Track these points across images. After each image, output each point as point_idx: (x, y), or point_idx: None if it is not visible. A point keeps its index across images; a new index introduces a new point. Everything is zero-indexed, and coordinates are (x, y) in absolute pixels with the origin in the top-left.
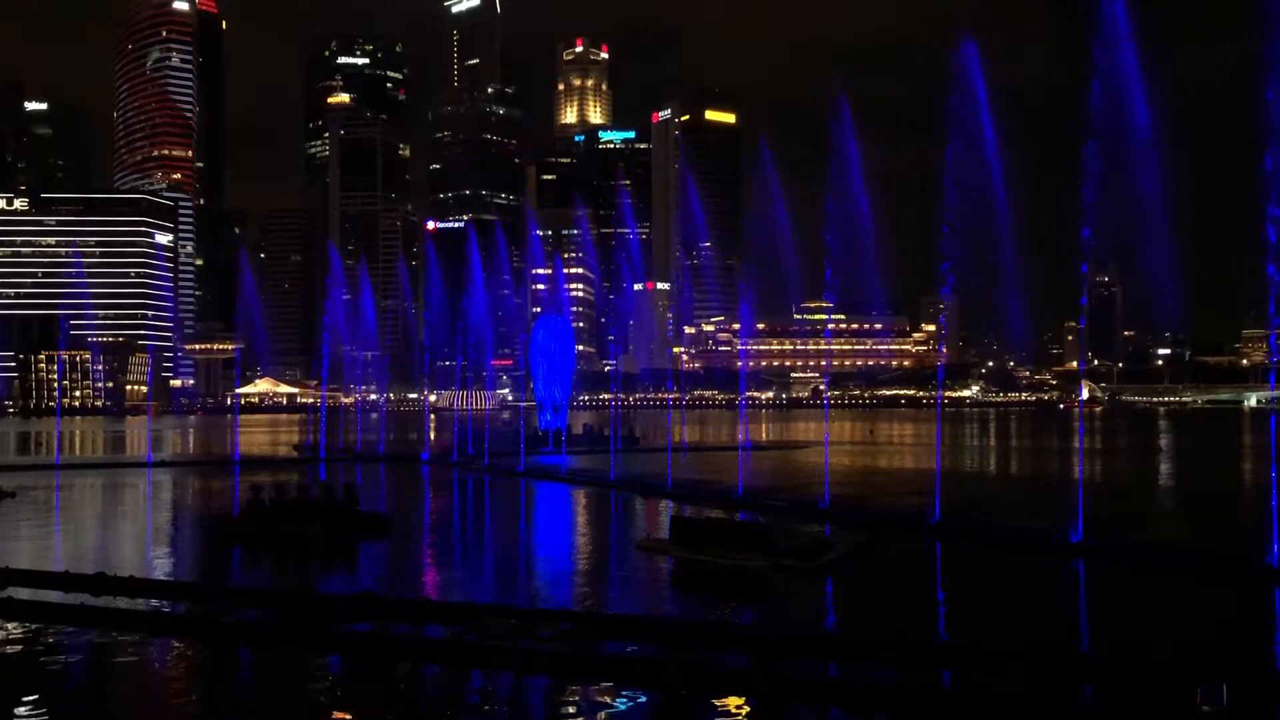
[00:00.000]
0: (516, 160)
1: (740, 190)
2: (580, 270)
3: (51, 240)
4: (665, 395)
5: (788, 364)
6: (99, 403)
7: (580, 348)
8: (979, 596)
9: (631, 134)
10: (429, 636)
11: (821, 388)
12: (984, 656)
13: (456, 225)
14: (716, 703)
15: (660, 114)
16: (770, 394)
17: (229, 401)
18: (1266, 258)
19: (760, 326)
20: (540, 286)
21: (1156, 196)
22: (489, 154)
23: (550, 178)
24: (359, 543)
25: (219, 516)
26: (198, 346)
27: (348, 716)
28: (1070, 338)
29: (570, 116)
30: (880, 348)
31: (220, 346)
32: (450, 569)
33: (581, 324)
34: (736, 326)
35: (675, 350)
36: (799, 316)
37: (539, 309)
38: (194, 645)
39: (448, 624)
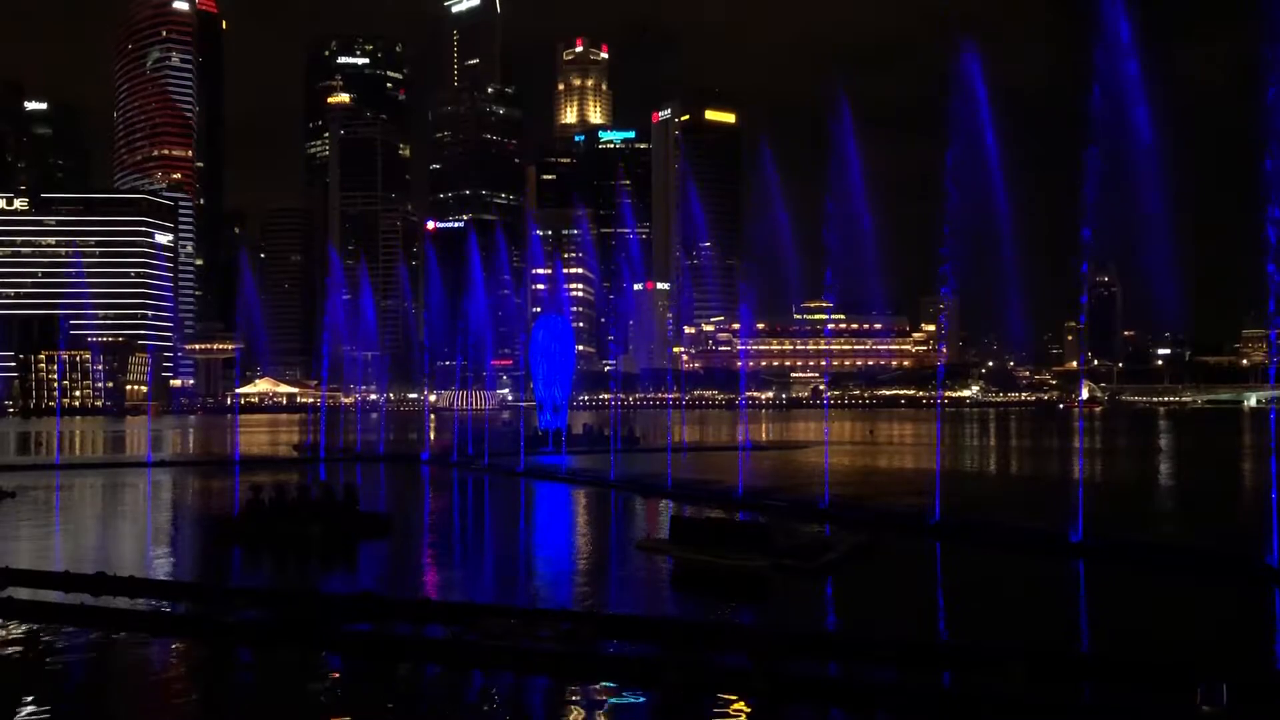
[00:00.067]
0: (516, 160)
1: (740, 190)
2: (580, 270)
3: (51, 240)
4: (665, 395)
5: (788, 364)
6: (99, 403)
7: (580, 348)
8: (979, 596)
9: (631, 134)
10: (429, 636)
11: (821, 388)
12: (984, 656)
13: (456, 225)
14: (716, 702)
15: (660, 114)
16: (770, 394)
17: (229, 401)
18: (1267, 258)
19: (760, 326)
20: (540, 286)
21: (1156, 196)
22: (489, 154)
23: (550, 178)
24: (359, 543)
25: (219, 516)
26: (198, 346)
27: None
28: (1070, 338)
29: (570, 116)
30: (880, 348)
31: (220, 346)
32: (450, 569)
33: (581, 324)
34: (736, 326)
35: (675, 350)
36: (799, 316)
37: (539, 309)
38: (194, 645)
39: (448, 624)
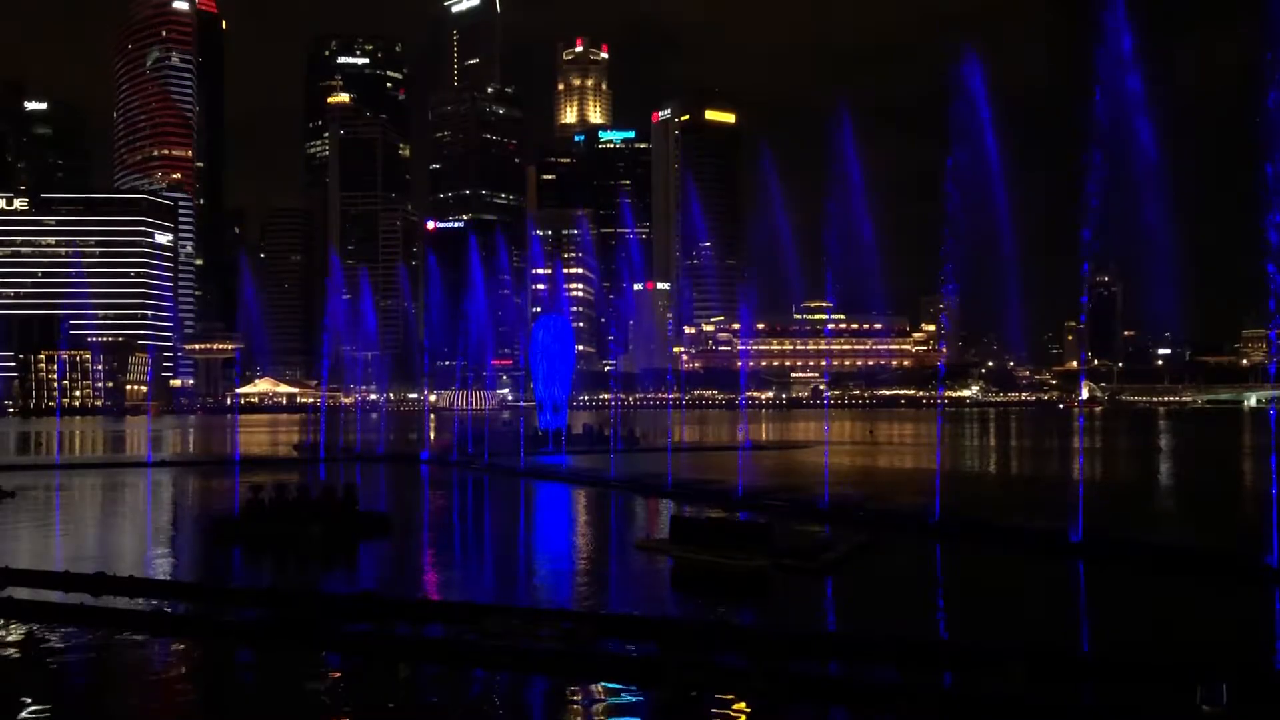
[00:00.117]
0: (516, 160)
1: (740, 190)
2: (580, 270)
3: (51, 240)
4: (665, 395)
5: (788, 364)
6: (99, 403)
7: (580, 348)
8: (979, 596)
9: (631, 134)
10: (429, 636)
11: (821, 387)
12: (984, 656)
13: (456, 225)
14: (716, 703)
15: (660, 114)
16: (770, 394)
17: (229, 401)
18: (1267, 260)
19: (760, 326)
20: (540, 286)
21: (1156, 196)
22: (489, 154)
23: (550, 178)
24: (359, 543)
25: (219, 516)
26: (198, 346)
27: None
28: (1070, 338)
29: (570, 116)
30: (880, 348)
31: (220, 346)
32: (450, 569)
33: (581, 324)
34: (736, 326)
35: (675, 350)
36: (799, 316)
37: (539, 309)
38: (194, 645)
39: (450, 624)
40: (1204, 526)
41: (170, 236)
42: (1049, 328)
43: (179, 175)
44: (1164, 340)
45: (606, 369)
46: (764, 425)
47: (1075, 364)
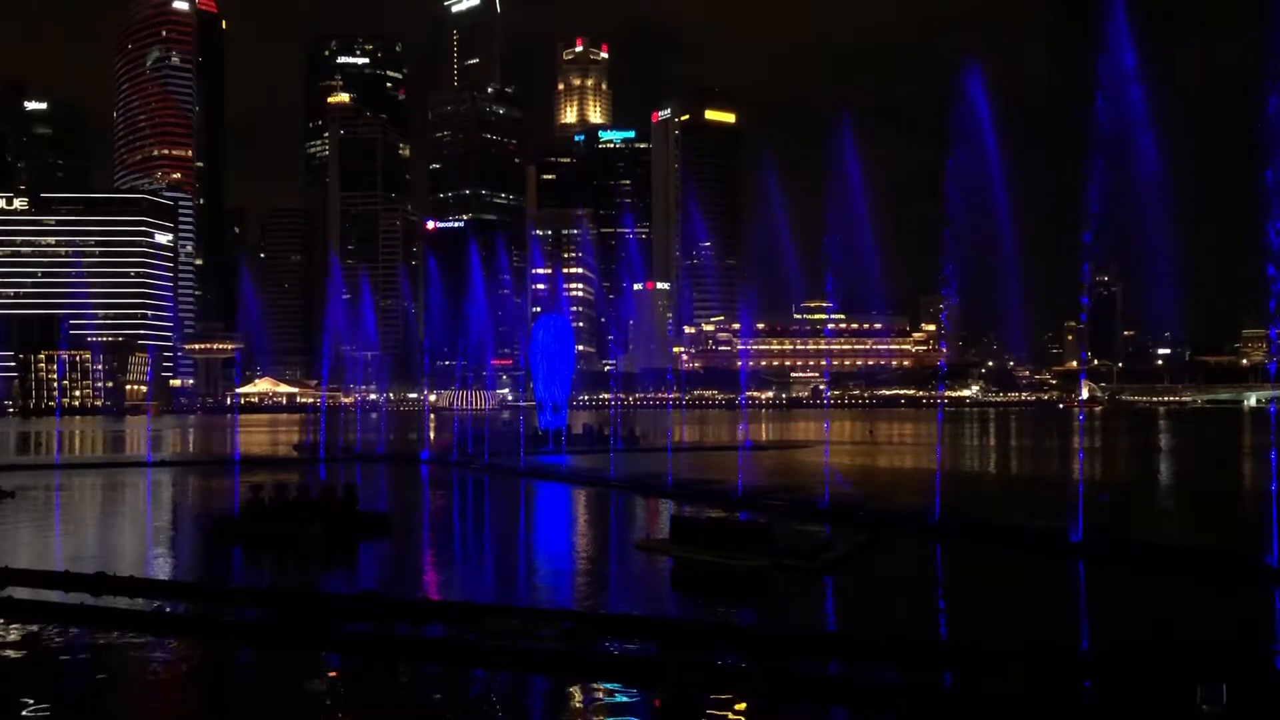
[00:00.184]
0: (516, 160)
1: (740, 190)
2: (580, 270)
3: (51, 240)
4: (665, 395)
5: (788, 364)
6: (99, 402)
7: (580, 348)
8: (979, 596)
9: (631, 134)
10: (429, 636)
11: (821, 387)
12: (984, 656)
13: (456, 225)
14: (716, 703)
15: (660, 114)
16: (770, 394)
17: (229, 401)
18: (1267, 263)
19: (760, 326)
20: (540, 286)
21: (1157, 196)
22: (489, 154)
23: (550, 178)
24: (359, 542)
25: (219, 516)
26: (198, 346)
27: None
28: (1070, 338)
29: (570, 116)
30: (880, 348)
31: (220, 346)
32: (450, 569)
33: (581, 324)
34: (736, 326)
35: (675, 350)
36: (799, 316)
37: (539, 309)
38: (194, 645)
39: (450, 624)
40: (1204, 526)
41: (170, 236)
42: (1049, 328)
43: (179, 175)
44: (1164, 340)
45: (606, 369)
46: (764, 425)
47: (1075, 364)
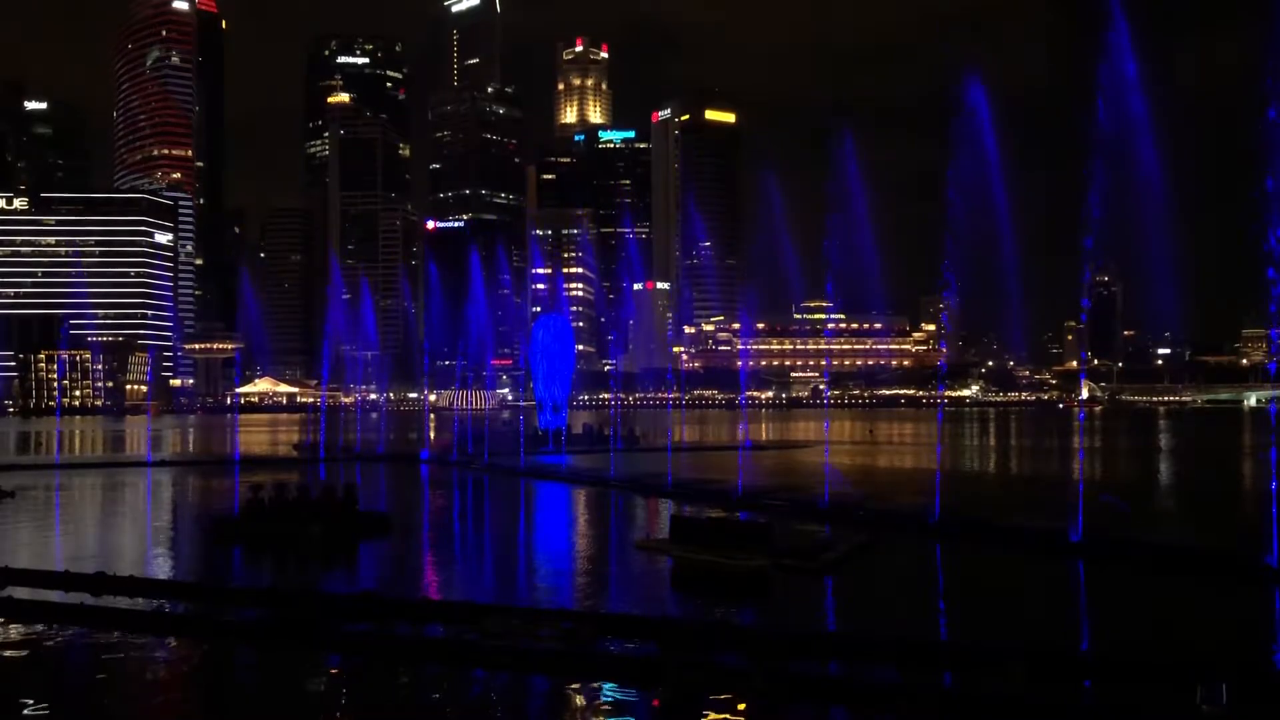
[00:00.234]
0: (516, 160)
1: (740, 190)
2: (580, 270)
3: (51, 240)
4: (665, 395)
5: (788, 364)
6: (99, 402)
7: (580, 347)
8: (979, 596)
9: (631, 134)
10: (429, 636)
11: (821, 387)
12: (984, 656)
13: (456, 225)
14: (716, 703)
15: (660, 114)
16: (770, 394)
17: (229, 401)
18: (1267, 268)
19: (760, 326)
20: (540, 286)
21: (1157, 196)
22: (489, 154)
23: (550, 177)
24: (359, 542)
25: (219, 516)
26: (198, 346)
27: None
28: (1070, 338)
29: (570, 116)
30: (880, 348)
31: (220, 346)
32: (450, 568)
33: (581, 324)
34: (736, 326)
35: (675, 350)
36: (799, 316)
37: (539, 309)
38: (194, 645)
39: (450, 624)
40: (1204, 526)
41: (170, 236)
42: (1049, 328)
43: (179, 175)
44: (1164, 340)
45: (606, 369)
46: (764, 425)
47: (1075, 364)
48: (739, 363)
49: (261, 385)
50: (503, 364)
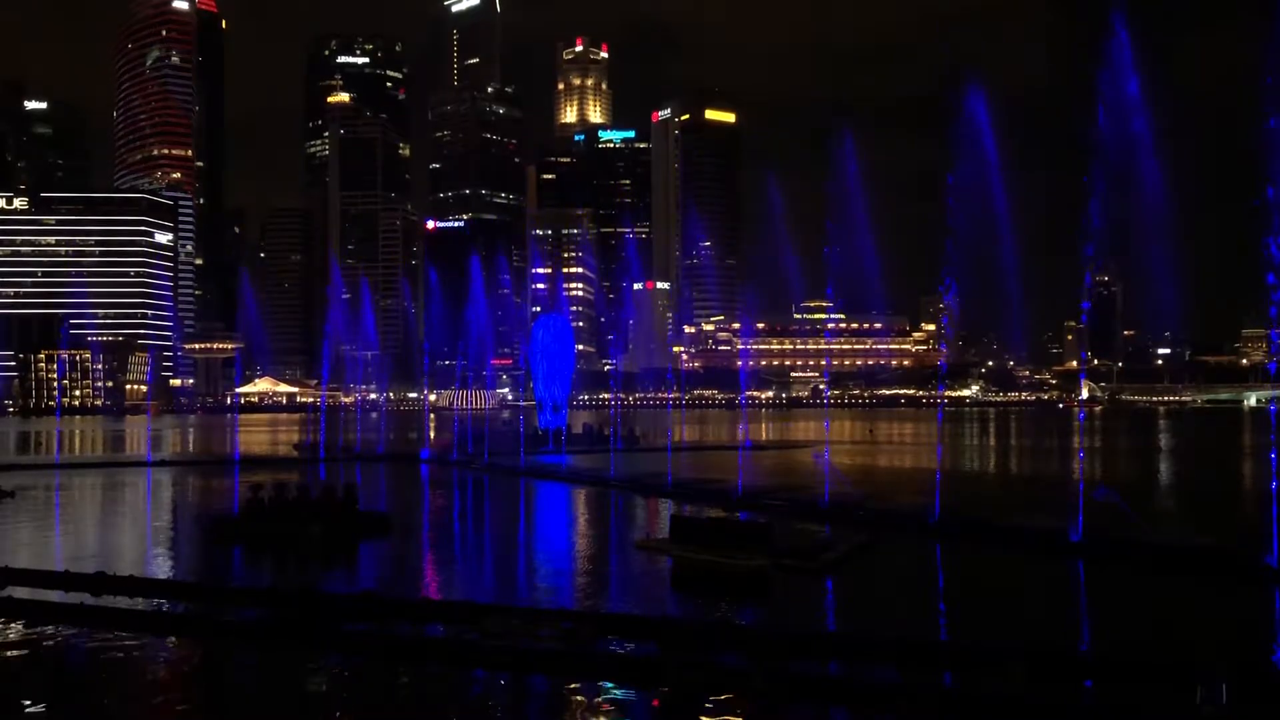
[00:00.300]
0: (516, 160)
1: (740, 190)
2: (580, 270)
3: (51, 240)
4: (665, 395)
5: (788, 364)
6: (99, 402)
7: (580, 347)
8: (979, 596)
9: (631, 133)
10: (429, 636)
11: (822, 387)
12: (984, 656)
13: (456, 225)
14: (716, 703)
15: (660, 113)
16: (770, 393)
17: (229, 401)
18: (1268, 273)
19: (760, 326)
20: (540, 286)
21: (1157, 196)
22: (489, 154)
23: (550, 177)
24: (359, 542)
25: (219, 516)
26: (198, 346)
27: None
28: (1070, 338)
29: (570, 116)
30: (880, 347)
31: (220, 346)
32: (450, 568)
33: (581, 324)
34: (736, 326)
35: (675, 350)
36: (799, 316)
37: (539, 309)
38: (194, 645)
39: (450, 624)
40: (1204, 526)
41: (170, 236)
42: (1049, 328)
43: (179, 175)
44: (1164, 340)
45: (606, 369)
46: (764, 425)
47: (1075, 364)
48: (739, 363)
49: (261, 385)
50: (503, 364)
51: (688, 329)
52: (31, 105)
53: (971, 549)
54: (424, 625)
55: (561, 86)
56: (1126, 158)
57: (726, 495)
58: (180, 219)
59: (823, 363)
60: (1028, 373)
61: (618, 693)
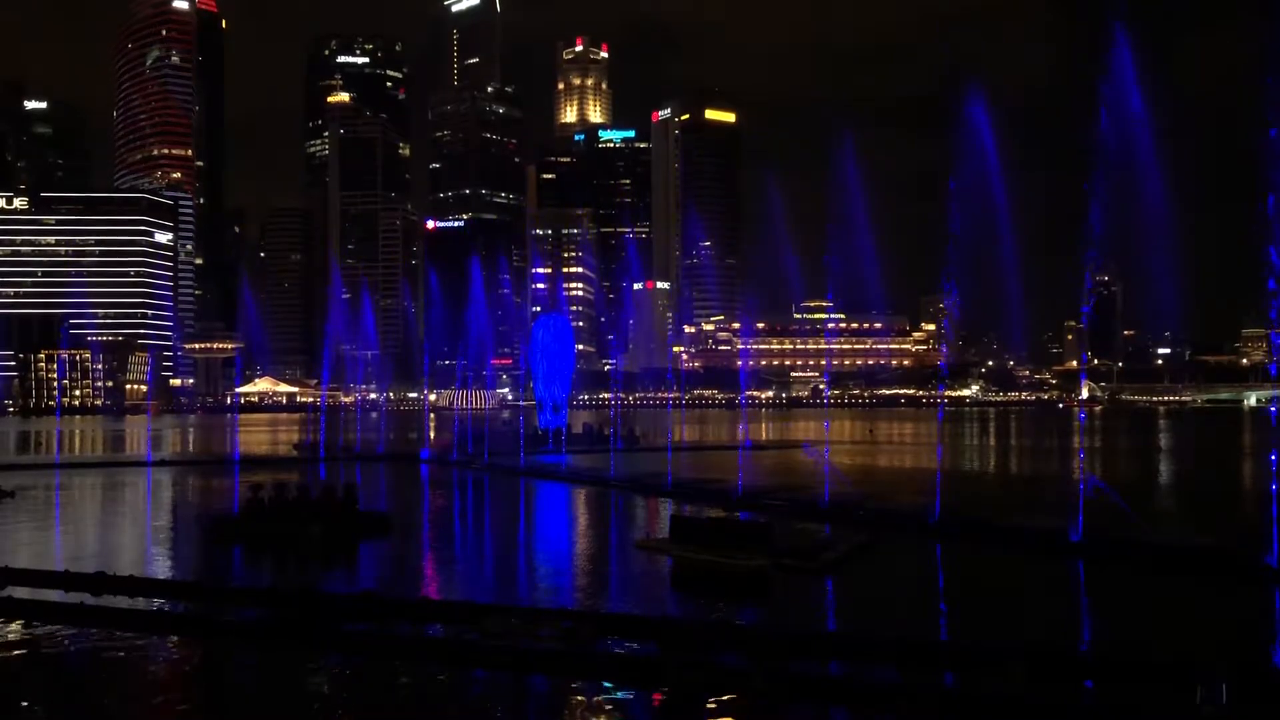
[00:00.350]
0: (516, 160)
1: (740, 190)
2: (580, 270)
3: (51, 240)
4: (665, 394)
5: (788, 363)
6: (99, 402)
7: (580, 347)
8: (979, 596)
9: (631, 133)
10: (429, 636)
11: (821, 387)
12: (984, 656)
13: (456, 225)
14: (716, 703)
15: (660, 113)
16: (770, 393)
17: (229, 401)
18: (1268, 275)
19: (760, 326)
20: (540, 286)
21: (1157, 196)
22: (489, 153)
23: (550, 177)
24: (359, 542)
25: (219, 516)
26: (198, 346)
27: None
28: (1070, 338)
29: (570, 116)
30: (880, 347)
31: (220, 346)
32: (450, 568)
33: (581, 323)
34: (736, 326)
35: (675, 350)
36: (799, 316)
37: (539, 308)
38: (194, 645)
39: (450, 624)
40: (1204, 526)
41: (170, 236)
42: (1049, 327)
43: (179, 175)
44: (1164, 340)
45: (606, 368)
46: (764, 425)
47: (1075, 364)
48: (739, 362)
49: (261, 385)
50: (503, 364)
51: (688, 329)
52: (31, 105)
53: (971, 549)
54: (424, 625)
55: (561, 86)
56: (1127, 158)
57: (726, 495)
58: (180, 219)
59: (823, 363)
60: (1028, 373)
61: (618, 693)
